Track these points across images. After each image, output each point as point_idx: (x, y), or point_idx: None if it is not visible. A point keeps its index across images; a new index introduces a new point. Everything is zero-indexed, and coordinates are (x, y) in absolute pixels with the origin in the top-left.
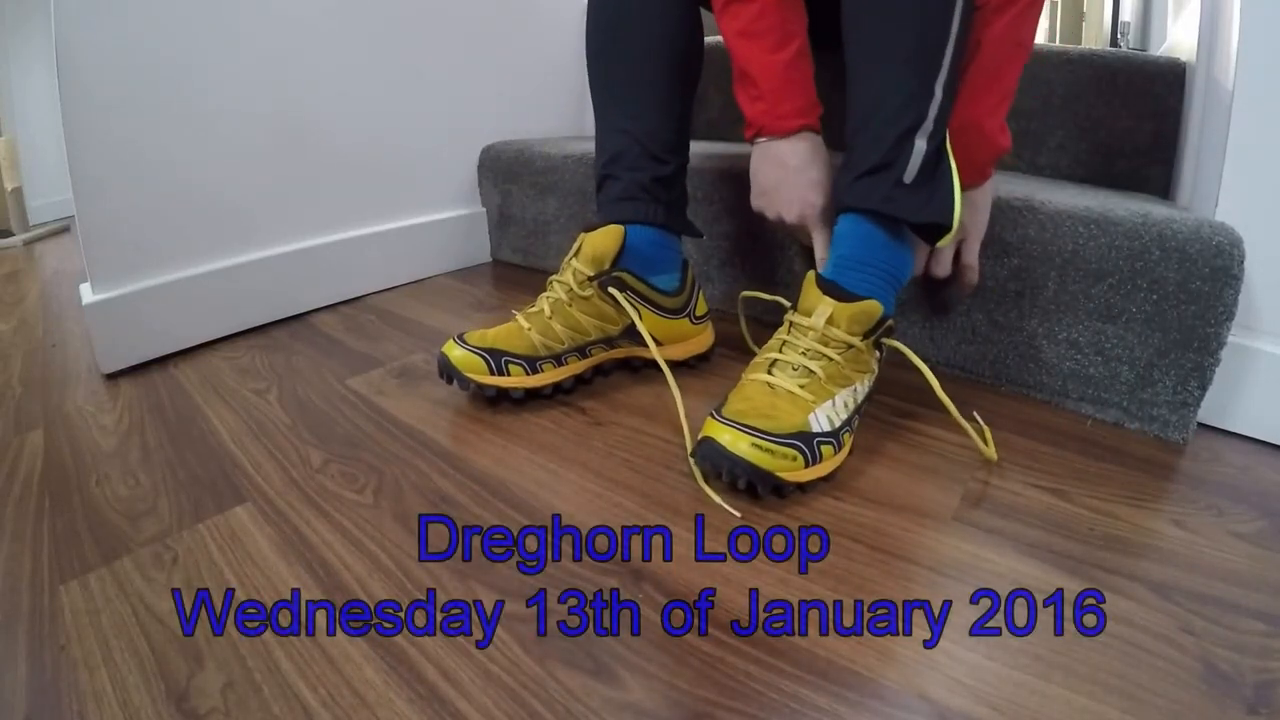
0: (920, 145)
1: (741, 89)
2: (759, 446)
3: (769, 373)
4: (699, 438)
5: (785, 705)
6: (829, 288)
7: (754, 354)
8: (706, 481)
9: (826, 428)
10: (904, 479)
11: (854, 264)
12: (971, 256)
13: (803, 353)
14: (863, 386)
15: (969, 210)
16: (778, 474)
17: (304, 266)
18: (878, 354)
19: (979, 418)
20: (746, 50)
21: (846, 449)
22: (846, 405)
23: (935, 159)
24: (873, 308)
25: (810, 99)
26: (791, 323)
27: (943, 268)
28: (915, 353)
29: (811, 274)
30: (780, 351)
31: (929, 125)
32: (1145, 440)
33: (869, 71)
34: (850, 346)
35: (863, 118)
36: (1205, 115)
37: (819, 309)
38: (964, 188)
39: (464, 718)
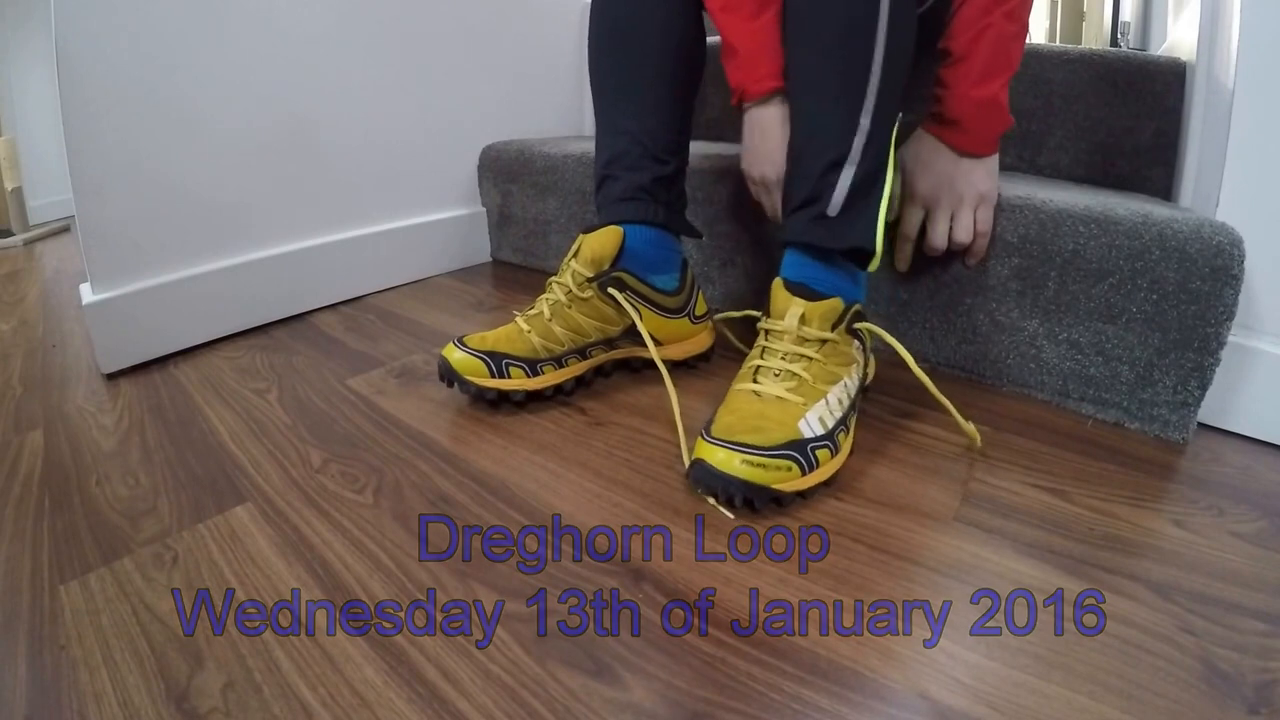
0: (845, 179)
1: (727, 61)
2: (750, 462)
3: (754, 380)
4: (691, 459)
5: (786, 705)
6: (797, 289)
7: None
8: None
9: (820, 431)
10: (904, 479)
11: (805, 280)
12: (986, 224)
13: (782, 356)
14: (851, 380)
15: (988, 176)
16: (773, 487)
17: (304, 266)
18: (857, 343)
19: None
20: (727, 23)
21: (845, 451)
22: (840, 402)
23: (865, 189)
24: (838, 303)
25: (782, 63)
26: (766, 330)
27: (964, 232)
28: (914, 353)
29: (779, 280)
30: (762, 358)
31: (855, 156)
32: (1145, 440)
33: (800, 105)
34: (825, 341)
35: (797, 152)
36: (1205, 115)
37: (790, 310)
38: (978, 155)
39: (464, 718)
